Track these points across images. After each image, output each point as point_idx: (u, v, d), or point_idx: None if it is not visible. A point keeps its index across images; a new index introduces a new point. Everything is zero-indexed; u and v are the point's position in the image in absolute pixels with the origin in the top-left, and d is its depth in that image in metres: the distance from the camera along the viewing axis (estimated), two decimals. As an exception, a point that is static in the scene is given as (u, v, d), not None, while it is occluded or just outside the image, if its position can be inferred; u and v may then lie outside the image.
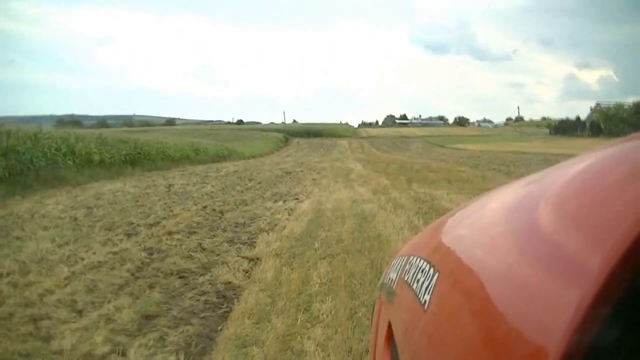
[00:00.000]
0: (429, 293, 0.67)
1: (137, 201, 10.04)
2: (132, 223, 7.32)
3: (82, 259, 5.11)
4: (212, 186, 12.84)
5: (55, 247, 5.51)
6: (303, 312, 3.46)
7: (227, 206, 8.72)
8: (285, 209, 8.17)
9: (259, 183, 13.47)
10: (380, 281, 1.08)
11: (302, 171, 17.63)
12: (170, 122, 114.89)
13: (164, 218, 7.78)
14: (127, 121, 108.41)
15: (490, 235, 0.65)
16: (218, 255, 5.11)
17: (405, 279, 0.82)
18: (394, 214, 7.14)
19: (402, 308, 0.82)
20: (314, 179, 14.07)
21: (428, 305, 0.66)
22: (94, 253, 5.35)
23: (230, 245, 5.51)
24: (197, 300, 3.85)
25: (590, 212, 0.47)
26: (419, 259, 0.80)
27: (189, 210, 8.35)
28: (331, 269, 4.33)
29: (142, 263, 4.85)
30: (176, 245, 5.52)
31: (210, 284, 4.15)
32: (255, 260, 4.84)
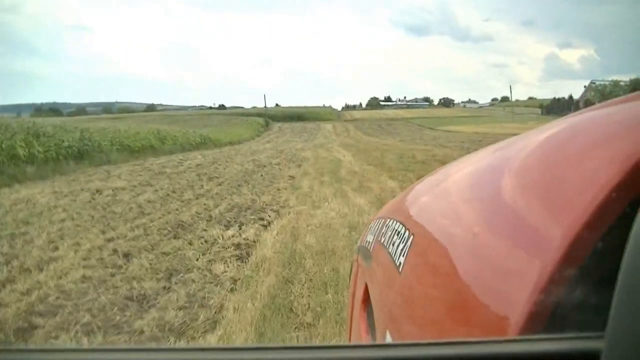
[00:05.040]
0: (403, 255, 0.67)
1: (27, 223, 6.65)
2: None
3: None
4: (155, 191, 9.46)
5: None
6: None
7: (145, 239, 5.37)
8: (237, 245, 4.86)
9: (220, 185, 10.15)
10: (358, 244, 1.04)
11: (278, 164, 14.31)
12: (151, 108, 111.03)
13: (25, 271, 4.46)
14: (108, 108, 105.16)
15: (459, 202, 0.66)
16: None
17: (382, 241, 0.81)
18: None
19: (379, 270, 0.81)
20: (291, 177, 10.77)
21: (402, 267, 0.65)
22: None
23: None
24: None
25: (552, 181, 0.47)
26: (395, 222, 0.79)
27: (77, 250, 5.03)
28: None
29: None
30: None
31: None
32: None
